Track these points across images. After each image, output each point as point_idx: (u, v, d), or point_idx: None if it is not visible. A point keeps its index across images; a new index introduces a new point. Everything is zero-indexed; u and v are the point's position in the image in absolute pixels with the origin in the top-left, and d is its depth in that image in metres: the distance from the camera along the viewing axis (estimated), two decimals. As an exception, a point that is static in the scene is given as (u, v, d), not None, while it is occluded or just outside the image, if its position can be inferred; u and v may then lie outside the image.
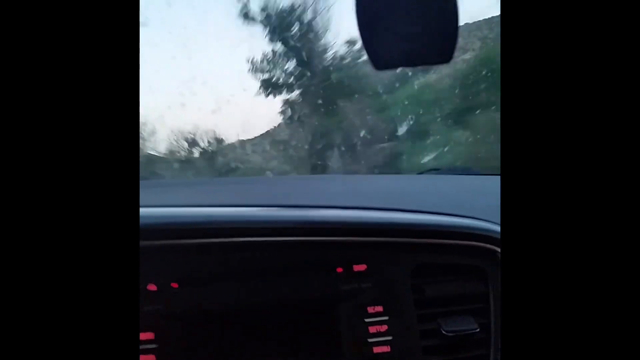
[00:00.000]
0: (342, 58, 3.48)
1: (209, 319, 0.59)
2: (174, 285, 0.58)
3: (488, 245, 0.63)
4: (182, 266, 0.60)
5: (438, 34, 0.44)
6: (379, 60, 0.46)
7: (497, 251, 0.63)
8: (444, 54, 0.45)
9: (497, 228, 0.63)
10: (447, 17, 0.43)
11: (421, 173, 1.25)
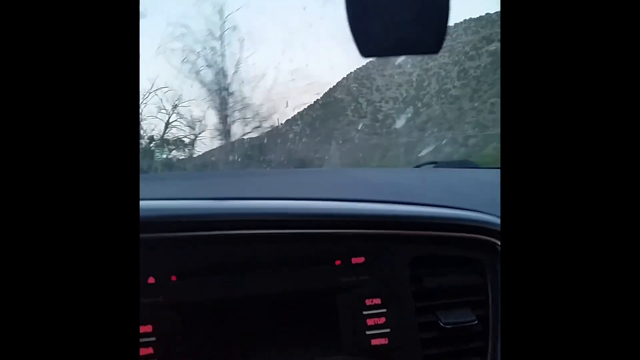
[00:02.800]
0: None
1: (208, 311, 0.59)
2: (173, 278, 0.58)
3: (486, 237, 0.63)
4: (181, 259, 0.59)
5: (428, 23, 0.44)
6: (366, 47, 0.45)
7: (494, 243, 0.63)
8: (434, 44, 0.45)
9: (495, 220, 0.63)
10: (439, 5, 0.43)
11: (418, 166, 1.26)
